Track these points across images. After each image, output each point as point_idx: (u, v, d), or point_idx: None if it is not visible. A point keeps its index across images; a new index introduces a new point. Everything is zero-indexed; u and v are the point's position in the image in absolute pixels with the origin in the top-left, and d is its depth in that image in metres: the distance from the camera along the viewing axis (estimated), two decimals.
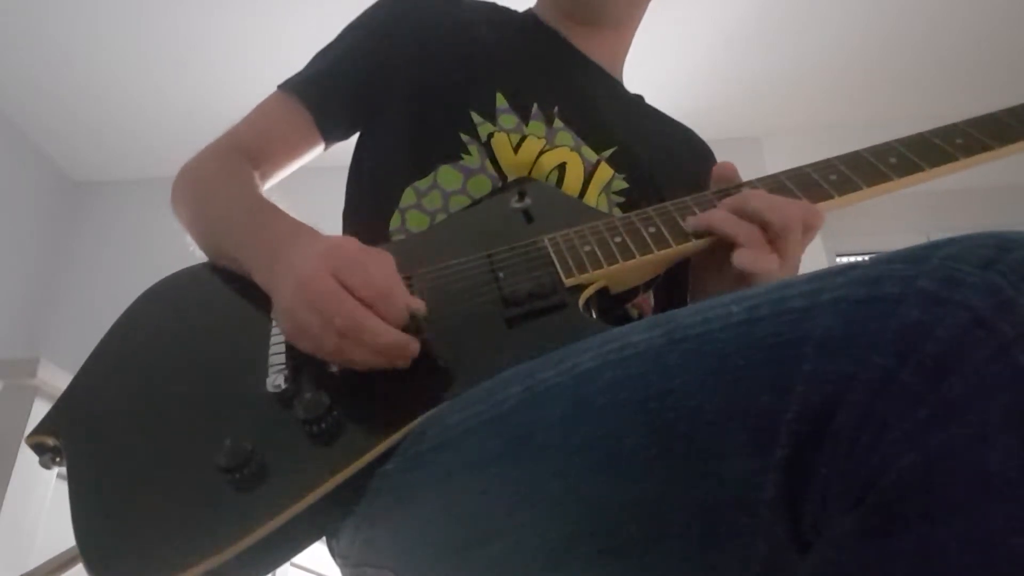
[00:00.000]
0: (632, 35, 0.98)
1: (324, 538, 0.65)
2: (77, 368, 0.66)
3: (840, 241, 2.93)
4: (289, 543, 0.52)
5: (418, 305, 0.57)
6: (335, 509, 0.55)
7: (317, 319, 0.55)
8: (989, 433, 0.31)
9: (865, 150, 0.67)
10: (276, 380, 0.58)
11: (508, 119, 0.80)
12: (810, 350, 0.37)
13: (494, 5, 0.95)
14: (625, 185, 0.82)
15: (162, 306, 0.72)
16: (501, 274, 0.65)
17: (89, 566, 0.50)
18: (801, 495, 0.36)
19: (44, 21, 2.44)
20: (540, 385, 0.48)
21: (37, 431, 0.60)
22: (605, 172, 0.81)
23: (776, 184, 0.67)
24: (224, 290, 0.72)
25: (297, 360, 0.60)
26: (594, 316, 0.65)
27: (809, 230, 0.63)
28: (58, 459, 0.60)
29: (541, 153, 0.79)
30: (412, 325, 0.56)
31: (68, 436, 0.60)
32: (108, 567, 0.49)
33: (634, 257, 0.64)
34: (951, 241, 0.37)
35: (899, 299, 0.35)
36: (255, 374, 0.60)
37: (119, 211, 3.06)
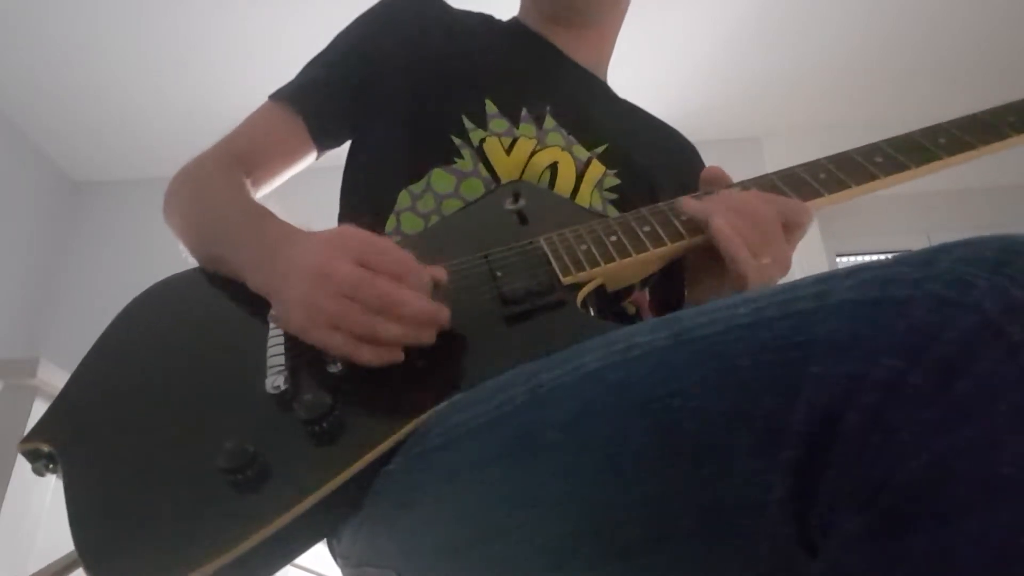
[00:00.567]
0: (614, 36, 0.99)
1: (325, 538, 0.65)
2: (70, 376, 0.65)
3: (840, 241, 2.93)
4: (291, 544, 0.52)
5: (439, 272, 0.59)
6: (337, 510, 0.55)
7: (346, 306, 0.56)
8: (999, 435, 0.31)
9: (852, 150, 0.69)
10: (275, 381, 0.58)
11: (499, 124, 0.81)
12: (818, 352, 0.37)
13: (481, 14, 0.96)
14: (617, 182, 0.83)
15: (155, 310, 0.72)
16: (499, 273, 0.66)
17: (90, 571, 0.49)
18: (808, 497, 0.36)
19: (44, 21, 2.44)
20: (544, 385, 0.48)
21: (30, 438, 0.59)
22: (597, 169, 0.82)
23: (767, 184, 0.68)
24: (218, 293, 0.72)
25: (296, 361, 0.60)
26: (592, 314, 0.65)
27: (798, 228, 0.65)
28: (51, 466, 0.59)
29: (533, 153, 0.80)
30: (435, 294, 0.58)
31: (62, 441, 0.59)
32: (109, 572, 0.49)
33: (630, 255, 0.65)
34: (959, 244, 0.37)
35: (908, 301, 0.35)
36: (253, 375, 0.59)
37: (119, 211, 3.06)
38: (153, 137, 2.90)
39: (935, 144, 0.66)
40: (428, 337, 0.58)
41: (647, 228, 0.67)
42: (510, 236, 0.70)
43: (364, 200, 0.85)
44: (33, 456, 0.59)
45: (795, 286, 0.41)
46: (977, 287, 0.34)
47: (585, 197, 0.81)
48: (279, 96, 0.86)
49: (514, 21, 0.98)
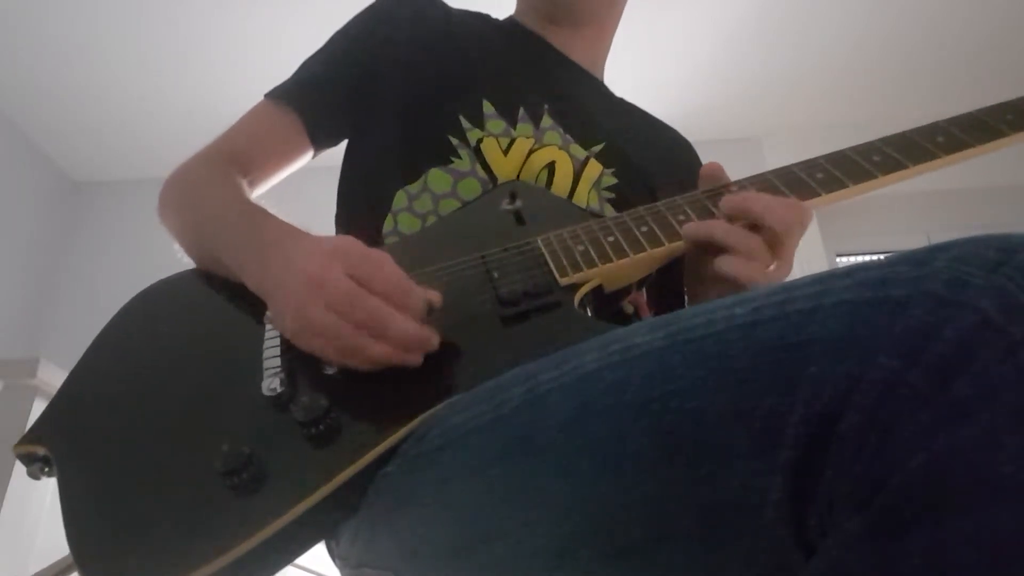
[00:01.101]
0: (611, 35, 0.99)
1: (323, 540, 0.65)
2: (65, 378, 0.65)
3: (840, 241, 2.93)
4: (289, 546, 0.52)
5: (435, 297, 0.58)
6: (335, 512, 0.55)
7: (335, 319, 0.55)
8: (998, 434, 0.31)
9: (849, 149, 0.69)
10: (271, 383, 0.57)
11: (496, 124, 0.81)
12: (816, 352, 0.37)
13: (479, 14, 0.96)
14: (614, 180, 0.83)
15: (150, 311, 0.71)
16: (496, 274, 0.65)
17: (84, 574, 0.49)
18: (806, 497, 0.36)
19: (44, 21, 2.44)
20: (542, 386, 0.48)
21: (25, 440, 0.59)
22: (594, 168, 0.82)
23: (765, 183, 0.68)
24: (212, 294, 0.71)
25: (292, 363, 0.60)
26: (589, 314, 0.65)
27: (799, 227, 0.65)
28: (47, 469, 0.59)
29: (530, 153, 0.80)
30: (427, 318, 0.57)
31: (58, 444, 0.58)
32: (105, 574, 0.49)
33: (627, 256, 0.65)
34: (956, 244, 0.36)
35: (906, 301, 0.35)
36: (249, 378, 0.59)
37: (119, 211, 3.06)
38: (153, 137, 2.90)
39: (933, 143, 0.66)
40: (414, 359, 0.57)
41: (645, 228, 0.67)
42: (507, 236, 0.70)
43: (361, 200, 0.85)
44: (28, 459, 0.59)
45: (792, 286, 0.41)
46: (975, 286, 0.34)
47: (582, 196, 0.81)
48: (275, 94, 0.86)
49: (510, 20, 0.97)
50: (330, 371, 0.58)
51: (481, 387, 0.53)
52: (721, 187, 0.69)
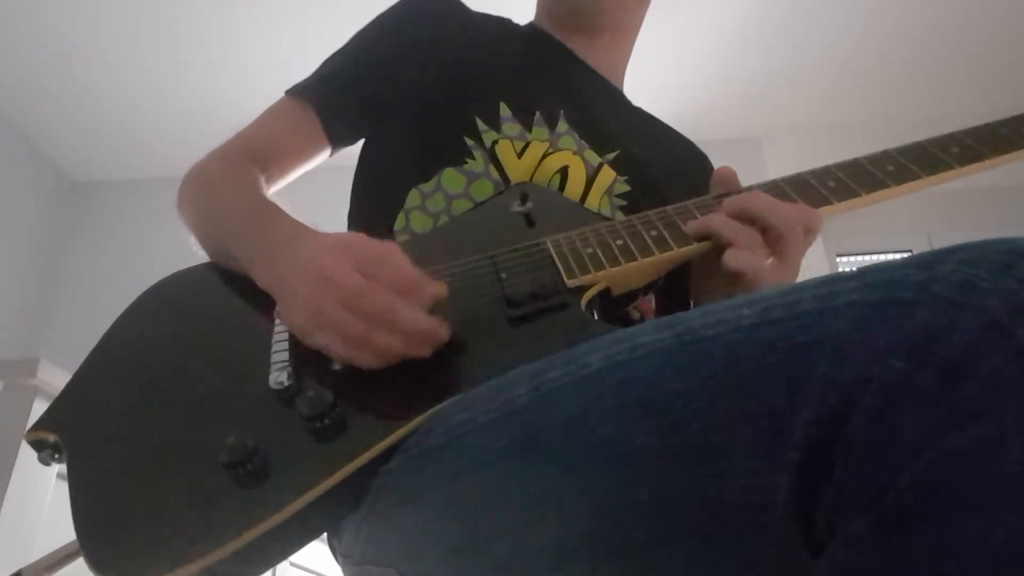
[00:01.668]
0: (631, 43, 0.99)
1: (325, 538, 0.65)
2: (77, 368, 0.66)
3: (840, 241, 2.93)
4: (290, 539, 0.52)
5: (440, 289, 0.59)
6: (337, 507, 0.55)
7: (345, 313, 0.56)
8: (1006, 435, 0.31)
9: (862, 158, 0.69)
10: (279, 377, 0.58)
11: (511, 127, 0.82)
12: (824, 353, 0.37)
13: (499, 18, 0.96)
14: (627, 188, 0.83)
15: (162, 304, 0.72)
16: (504, 275, 0.66)
17: (90, 560, 0.50)
18: (814, 497, 0.36)
19: (44, 21, 2.44)
20: (548, 384, 0.48)
21: (37, 427, 0.60)
22: (607, 175, 0.82)
23: (775, 190, 0.68)
24: (224, 288, 0.72)
25: (299, 357, 0.60)
26: (596, 317, 0.65)
27: (809, 233, 0.65)
28: (57, 455, 0.60)
29: (544, 156, 0.80)
30: (435, 312, 0.57)
31: (68, 432, 0.60)
32: (110, 561, 0.49)
33: (636, 259, 0.65)
34: (965, 247, 0.37)
35: (914, 303, 0.35)
36: (257, 371, 0.60)
37: (119, 211, 3.06)
38: (153, 137, 2.90)
39: (948, 153, 0.66)
40: (425, 351, 0.57)
41: (654, 232, 0.66)
42: (517, 238, 0.70)
43: (375, 198, 0.85)
44: (39, 445, 0.60)
45: (800, 288, 0.41)
46: (983, 289, 0.34)
47: (594, 202, 0.81)
48: (295, 92, 0.87)
49: (530, 25, 0.98)
50: (336, 366, 0.59)
51: (486, 385, 0.53)
52: (732, 192, 0.69)
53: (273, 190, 0.83)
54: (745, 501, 0.38)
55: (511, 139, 0.80)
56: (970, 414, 0.32)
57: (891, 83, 2.81)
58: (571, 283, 0.64)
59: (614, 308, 0.69)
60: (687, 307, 0.78)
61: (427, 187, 0.79)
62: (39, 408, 1.29)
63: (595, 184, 0.81)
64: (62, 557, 0.58)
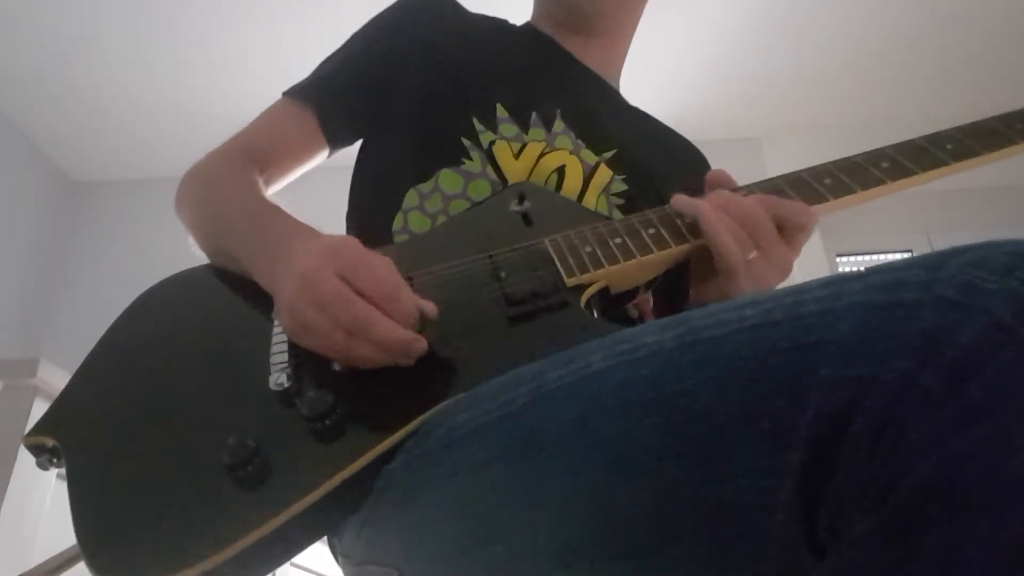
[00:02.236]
0: (627, 44, 1.00)
1: (325, 537, 0.65)
2: (75, 370, 0.66)
3: (840, 241, 2.93)
4: (292, 540, 0.52)
5: (430, 308, 0.58)
6: (339, 507, 0.55)
7: (323, 317, 0.56)
8: (1010, 436, 0.31)
9: (857, 156, 0.69)
10: (279, 378, 0.58)
11: (508, 128, 0.82)
12: (828, 354, 0.37)
13: (496, 19, 0.97)
14: (624, 187, 0.83)
15: (161, 305, 0.72)
16: (503, 274, 0.66)
17: (91, 564, 0.50)
18: (817, 498, 0.36)
19: (44, 21, 2.44)
20: (550, 384, 0.48)
21: (35, 431, 0.60)
22: (604, 174, 0.83)
23: (772, 188, 0.68)
24: (224, 289, 0.72)
25: (299, 358, 0.60)
26: (595, 316, 0.65)
27: (800, 229, 0.65)
28: (55, 460, 0.60)
29: (541, 156, 0.81)
30: (419, 325, 0.57)
31: (67, 436, 0.59)
32: (111, 565, 0.49)
33: (634, 257, 0.65)
34: (969, 248, 0.37)
35: (919, 305, 0.35)
36: (257, 372, 0.60)
37: (119, 211, 3.06)
38: (153, 137, 2.90)
39: (942, 150, 0.66)
40: (403, 361, 0.57)
41: (652, 231, 0.67)
42: (515, 237, 0.70)
43: (372, 198, 0.85)
44: (37, 450, 0.60)
45: (803, 289, 0.41)
46: (988, 291, 0.34)
47: (591, 201, 0.81)
48: (294, 93, 0.87)
49: (527, 26, 0.98)
50: (337, 367, 0.59)
51: (487, 385, 0.53)
52: (728, 191, 0.69)
53: (272, 191, 0.84)
54: (747, 502, 0.38)
55: (508, 140, 0.81)
56: (975, 416, 0.32)
57: (891, 83, 2.80)
58: (570, 282, 0.64)
59: (613, 306, 0.69)
60: (685, 305, 0.78)
61: (425, 187, 0.79)
62: (39, 408, 1.29)
63: (592, 183, 0.81)
64: (63, 561, 0.58)
